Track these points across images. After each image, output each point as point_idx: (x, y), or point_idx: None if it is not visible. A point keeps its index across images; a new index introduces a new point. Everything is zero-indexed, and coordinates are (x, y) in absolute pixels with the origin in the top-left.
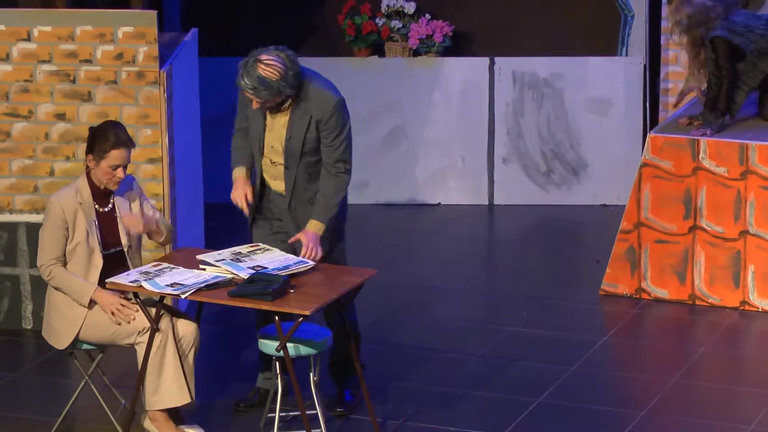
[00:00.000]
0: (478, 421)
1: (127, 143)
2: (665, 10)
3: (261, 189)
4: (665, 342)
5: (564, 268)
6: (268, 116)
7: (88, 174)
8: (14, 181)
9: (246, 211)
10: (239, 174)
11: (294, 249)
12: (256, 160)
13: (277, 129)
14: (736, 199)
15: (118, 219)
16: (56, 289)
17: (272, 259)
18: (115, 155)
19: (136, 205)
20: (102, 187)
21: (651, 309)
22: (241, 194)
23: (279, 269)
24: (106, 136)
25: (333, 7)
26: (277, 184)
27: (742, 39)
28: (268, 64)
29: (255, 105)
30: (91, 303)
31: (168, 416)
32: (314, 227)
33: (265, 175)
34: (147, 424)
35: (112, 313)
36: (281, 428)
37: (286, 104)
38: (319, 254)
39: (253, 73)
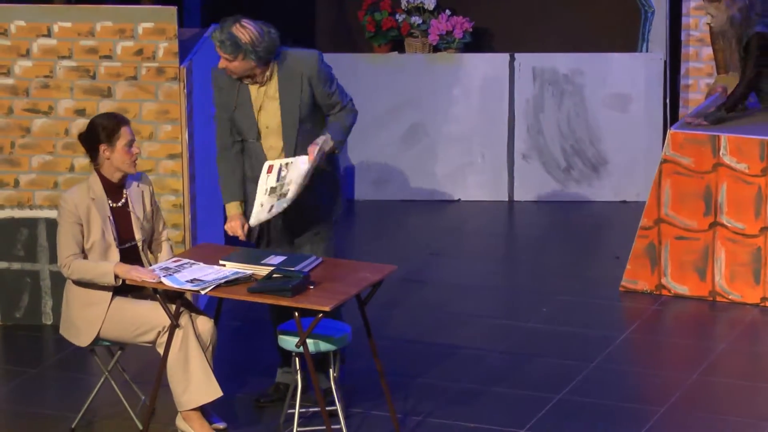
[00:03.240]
0: (499, 417)
1: (126, 120)
2: (685, 7)
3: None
4: (685, 339)
5: (584, 265)
6: (255, 96)
7: (97, 170)
8: (34, 177)
9: (242, 236)
10: (234, 212)
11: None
12: (252, 149)
13: (268, 106)
14: (756, 195)
15: (131, 213)
16: (77, 283)
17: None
18: (125, 131)
19: (148, 198)
20: (116, 180)
21: (671, 305)
22: (237, 225)
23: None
24: (106, 121)
25: (353, 4)
26: None
27: None
28: (245, 27)
29: (222, 64)
30: (117, 279)
31: (201, 414)
32: (322, 139)
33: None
34: (180, 423)
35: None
36: (301, 424)
37: (268, 74)
38: (315, 159)
39: (226, 29)
